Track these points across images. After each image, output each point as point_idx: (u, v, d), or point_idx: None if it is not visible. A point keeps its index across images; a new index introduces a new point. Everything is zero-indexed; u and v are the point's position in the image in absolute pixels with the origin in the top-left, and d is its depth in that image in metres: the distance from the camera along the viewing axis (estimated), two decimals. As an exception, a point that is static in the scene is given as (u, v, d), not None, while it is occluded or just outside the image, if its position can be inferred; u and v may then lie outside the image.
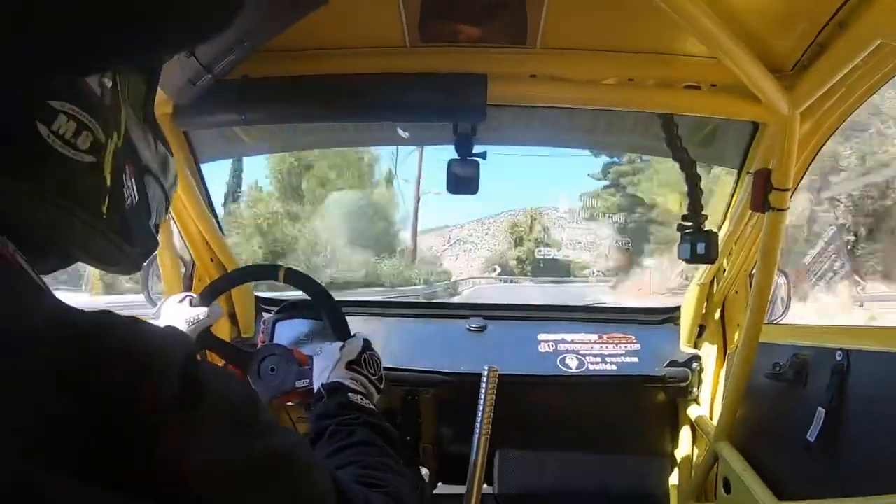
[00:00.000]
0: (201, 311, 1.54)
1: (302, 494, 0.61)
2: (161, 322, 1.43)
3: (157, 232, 0.73)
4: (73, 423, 0.43)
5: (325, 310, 1.57)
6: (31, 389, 0.42)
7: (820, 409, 1.49)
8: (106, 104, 0.58)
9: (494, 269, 24.72)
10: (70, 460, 0.42)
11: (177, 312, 1.51)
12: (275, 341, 1.97)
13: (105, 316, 0.49)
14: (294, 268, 1.61)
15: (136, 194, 0.65)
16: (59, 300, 0.51)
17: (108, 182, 0.59)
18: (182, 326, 1.47)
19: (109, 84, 0.58)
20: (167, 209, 0.76)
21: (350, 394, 1.17)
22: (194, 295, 1.58)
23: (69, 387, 0.43)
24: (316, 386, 1.25)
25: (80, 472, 0.42)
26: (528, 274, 24.36)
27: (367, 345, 1.38)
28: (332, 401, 1.15)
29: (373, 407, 1.17)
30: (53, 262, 0.62)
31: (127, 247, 0.64)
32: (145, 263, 2.08)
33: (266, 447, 0.56)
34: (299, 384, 1.49)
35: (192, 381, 0.49)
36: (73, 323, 0.47)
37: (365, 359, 1.33)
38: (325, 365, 1.30)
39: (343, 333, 1.50)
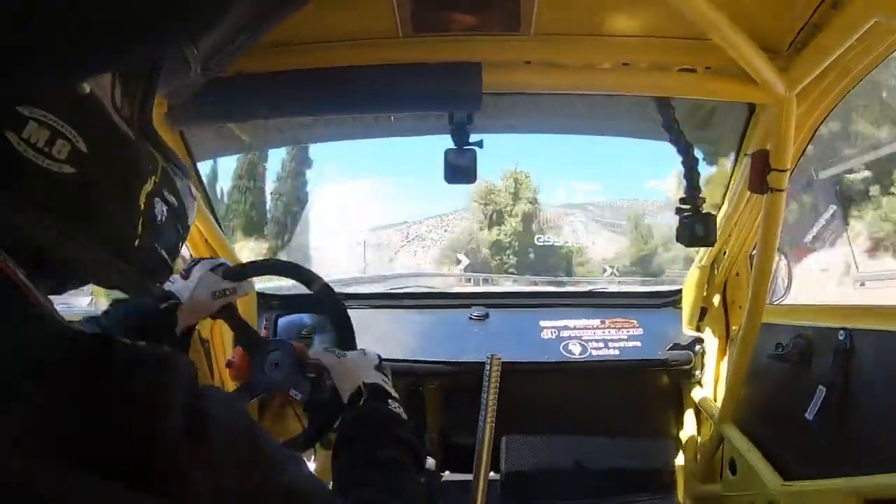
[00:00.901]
0: (230, 286, 1.51)
1: None
2: (188, 284, 1.42)
3: (172, 259, 0.70)
4: (79, 448, 0.43)
5: (339, 329, 1.56)
6: (34, 416, 0.42)
7: (822, 388, 1.50)
8: (90, 113, 0.56)
9: (458, 262, 19.86)
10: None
11: (206, 280, 1.46)
12: (277, 335, 1.97)
13: (105, 344, 0.48)
14: (329, 287, 1.60)
15: (135, 210, 0.62)
16: (59, 320, 0.51)
17: (100, 196, 0.57)
18: (206, 296, 1.44)
19: (89, 90, 0.56)
20: (183, 232, 0.72)
21: (389, 400, 1.16)
22: (229, 264, 1.55)
23: (71, 416, 0.43)
24: (346, 389, 1.22)
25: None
26: (513, 271, 19.73)
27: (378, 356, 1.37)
28: (372, 404, 1.13)
29: (405, 417, 1.14)
30: (53, 283, 0.60)
31: (121, 263, 0.62)
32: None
33: (268, 481, 0.56)
34: (293, 393, 1.48)
35: (198, 414, 0.49)
36: (74, 350, 0.47)
37: (384, 365, 1.33)
38: (354, 367, 1.27)
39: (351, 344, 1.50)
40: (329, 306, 1.56)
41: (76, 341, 0.47)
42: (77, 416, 0.43)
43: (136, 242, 0.62)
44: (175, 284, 1.42)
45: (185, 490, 0.46)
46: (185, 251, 2.13)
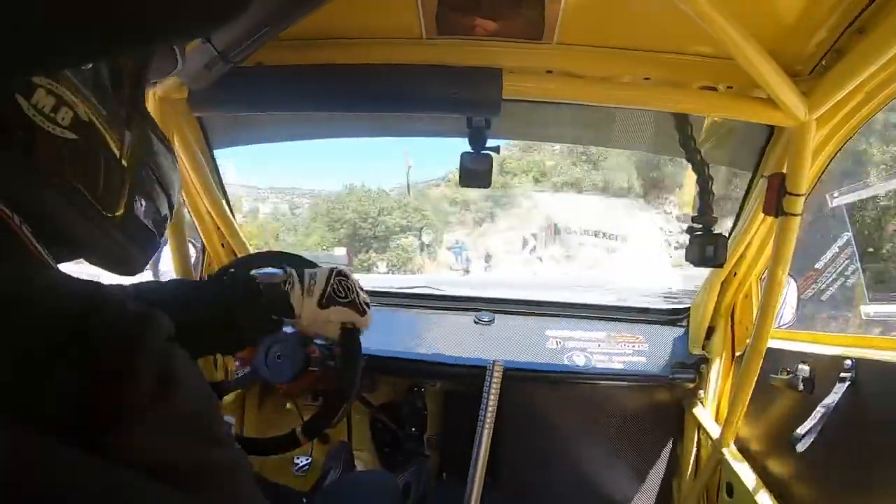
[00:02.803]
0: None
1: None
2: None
3: (161, 232, 0.73)
4: (59, 390, 0.45)
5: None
6: (21, 356, 0.45)
7: (827, 416, 1.49)
8: (92, 86, 0.60)
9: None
10: (59, 426, 0.44)
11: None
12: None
13: (96, 293, 0.51)
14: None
15: (127, 180, 0.66)
16: (56, 272, 0.55)
17: (99, 163, 0.61)
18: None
19: (90, 65, 0.60)
20: (169, 207, 0.76)
21: None
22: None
23: (57, 358, 0.45)
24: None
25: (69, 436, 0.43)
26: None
27: (330, 275, 1.46)
28: None
29: None
30: (59, 250, 0.62)
31: (111, 229, 0.65)
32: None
33: (216, 456, 0.56)
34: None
35: (167, 376, 0.50)
36: (68, 297, 0.50)
37: (334, 288, 1.43)
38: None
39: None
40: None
41: (65, 293, 0.50)
42: (50, 373, 0.45)
43: (125, 209, 0.66)
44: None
45: (140, 446, 0.47)
46: (197, 240, 2.14)
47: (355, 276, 1.53)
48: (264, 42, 1.26)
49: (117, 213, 0.65)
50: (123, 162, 0.65)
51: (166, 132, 1.56)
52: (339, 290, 1.43)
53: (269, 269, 1.42)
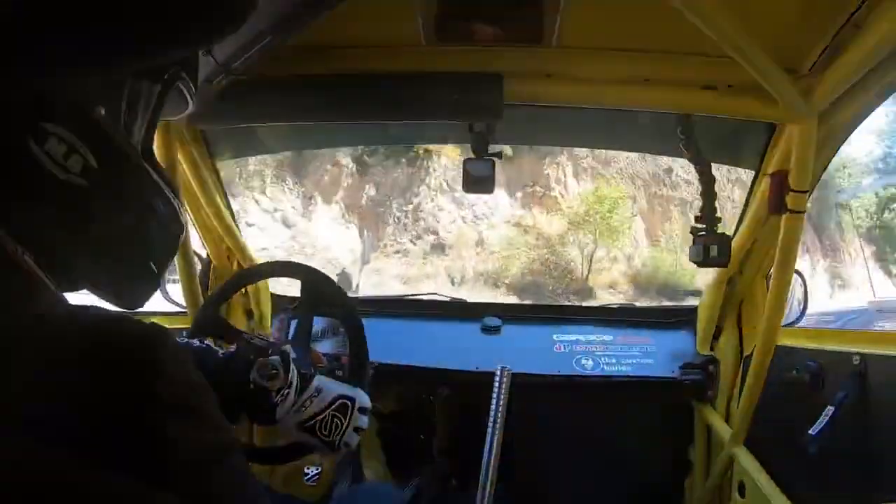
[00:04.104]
0: None
1: (245, 484, 0.62)
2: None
3: (160, 274, 0.74)
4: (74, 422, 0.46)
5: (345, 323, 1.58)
6: (36, 374, 0.46)
7: (836, 413, 1.48)
8: (102, 134, 0.61)
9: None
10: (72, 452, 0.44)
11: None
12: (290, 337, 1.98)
13: (109, 317, 0.53)
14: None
15: (133, 227, 0.68)
16: (60, 301, 0.57)
17: (105, 209, 0.63)
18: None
19: (104, 113, 0.62)
20: (171, 252, 0.77)
21: None
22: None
23: (72, 377, 0.47)
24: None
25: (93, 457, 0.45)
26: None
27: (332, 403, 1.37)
28: None
29: None
30: (62, 282, 0.64)
31: (112, 266, 0.68)
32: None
33: (220, 437, 0.59)
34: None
35: (182, 394, 0.53)
36: (75, 328, 0.51)
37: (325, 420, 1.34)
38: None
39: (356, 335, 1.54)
40: (351, 334, 1.59)
41: (68, 318, 0.53)
42: (61, 394, 0.46)
43: (129, 251, 0.68)
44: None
45: (168, 452, 0.49)
46: (203, 252, 2.15)
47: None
48: (265, 53, 1.27)
49: (122, 257, 0.68)
50: (130, 207, 0.67)
51: (168, 146, 1.58)
52: (330, 423, 1.34)
53: (274, 361, 1.30)
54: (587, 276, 21.77)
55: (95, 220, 0.62)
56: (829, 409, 1.47)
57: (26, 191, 0.57)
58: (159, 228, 0.72)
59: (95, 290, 0.69)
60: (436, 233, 21.37)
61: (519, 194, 22.72)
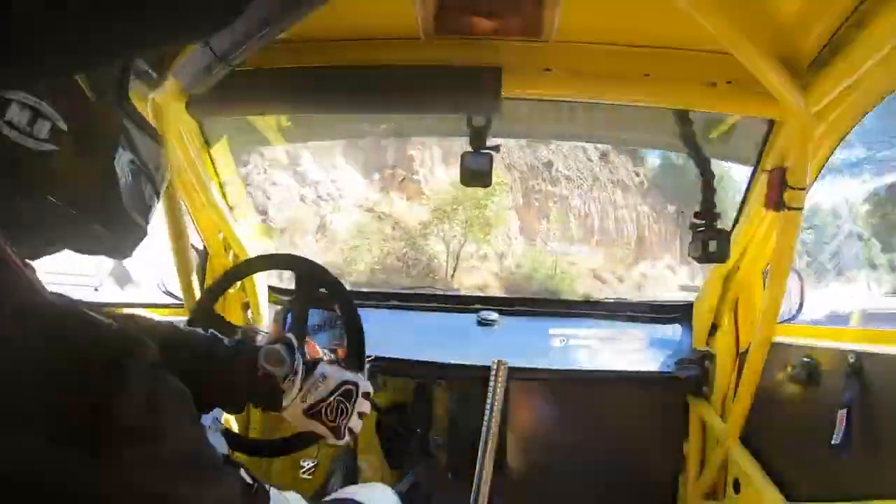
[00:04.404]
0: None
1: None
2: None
3: (147, 220, 0.74)
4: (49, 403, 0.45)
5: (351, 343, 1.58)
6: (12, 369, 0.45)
7: (831, 410, 1.48)
8: (69, 94, 0.60)
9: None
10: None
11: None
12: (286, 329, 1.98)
13: (72, 315, 0.50)
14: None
15: (110, 179, 0.66)
16: (32, 287, 0.53)
17: (73, 168, 0.61)
18: None
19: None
20: (157, 197, 0.77)
21: None
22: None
23: (46, 373, 0.46)
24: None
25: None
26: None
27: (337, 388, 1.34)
28: None
29: None
30: (39, 249, 0.63)
31: (102, 230, 0.66)
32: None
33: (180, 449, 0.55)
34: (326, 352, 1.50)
35: (153, 409, 0.50)
36: (41, 316, 0.49)
37: (330, 405, 1.32)
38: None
39: (353, 324, 1.54)
40: (346, 320, 1.59)
41: (45, 310, 0.50)
42: (37, 384, 0.45)
43: (111, 206, 0.66)
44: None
45: (123, 479, 0.47)
46: (200, 245, 2.15)
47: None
48: (263, 45, 1.27)
49: (98, 212, 0.66)
50: (102, 160, 0.66)
51: (165, 136, 1.57)
52: (336, 409, 1.33)
53: (279, 348, 1.29)
54: (452, 276, 19.24)
55: (69, 181, 0.61)
56: (842, 413, 1.47)
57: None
58: (139, 177, 0.71)
59: (74, 249, 0.68)
60: (265, 212, 17.47)
61: (376, 176, 20.33)
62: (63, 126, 0.58)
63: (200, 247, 2.18)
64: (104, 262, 9.58)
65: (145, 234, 0.74)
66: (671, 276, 21.00)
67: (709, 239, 1.72)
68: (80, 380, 0.47)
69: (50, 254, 0.66)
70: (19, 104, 0.54)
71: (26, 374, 0.45)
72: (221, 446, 1.29)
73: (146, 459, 0.49)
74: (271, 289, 2.42)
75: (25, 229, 0.59)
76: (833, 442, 1.47)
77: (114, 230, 0.68)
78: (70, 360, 0.47)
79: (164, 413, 0.51)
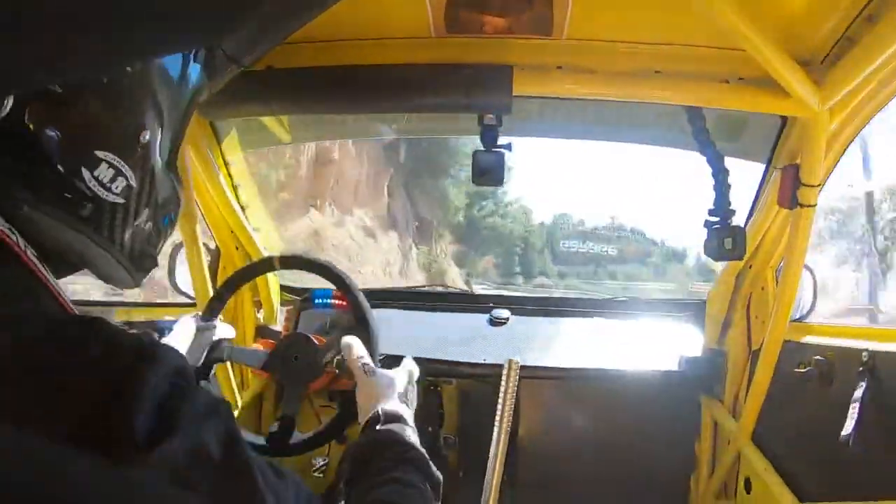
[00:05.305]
0: (208, 325, 1.54)
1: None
2: (174, 339, 1.44)
3: (157, 254, 0.79)
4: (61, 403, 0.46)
5: (346, 293, 1.58)
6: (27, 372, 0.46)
7: (844, 410, 1.47)
8: (141, 156, 0.67)
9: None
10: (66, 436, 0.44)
11: (189, 330, 1.49)
12: (298, 330, 1.99)
13: (93, 325, 0.51)
14: (285, 255, 1.67)
15: (150, 228, 0.73)
16: (58, 299, 0.60)
17: (132, 219, 0.68)
18: (186, 348, 1.45)
19: (147, 138, 0.67)
20: (170, 235, 0.82)
21: (408, 428, 1.14)
22: (198, 314, 1.58)
23: (55, 386, 0.46)
24: (364, 409, 1.20)
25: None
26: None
27: (411, 378, 1.36)
28: (388, 430, 1.12)
29: (419, 447, 1.11)
30: (66, 269, 0.68)
31: (134, 271, 0.73)
32: (172, 253, 2.13)
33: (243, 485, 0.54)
34: (328, 367, 1.50)
35: (169, 415, 0.50)
36: (64, 326, 0.51)
37: (409, 391, 1.31)
38: (378, 390, 1.25)
39: (365, 323, 1.54)
40: (302, 267, 1.64)
41: (67, 321, 0.53)
42: (52, 393, 0.46)
43: (142, 249, 0.74)
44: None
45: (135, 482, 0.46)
46: (212, 243, 2.16)
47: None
48: (274, 45, 1.27)
49: (136, 254, 0.72)
50: (153, 216, 0.73)
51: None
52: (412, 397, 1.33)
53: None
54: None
55: (126, 230, 0.68)
56: (855, 406, 1.46)
57: (64, 207, 0.61)
58: (170, 226, 0.78)
59: (95, 274, 0.72)
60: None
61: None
62: (134, 184, 0.66)
63: (213, 246, 2.19)
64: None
65: (156, 265, 0.80)
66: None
67: (724, 236, 1.71)
68: (99, 381, 0.48)
69: (73, 272, 0.70)
70: (107, 163, 0.62)
71: (42, 375, 0.46)
72: None
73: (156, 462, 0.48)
74: (283, 288, 2.43)
75: (63, 255, 0.64)
76: (843, 433, 1.46)
77: (141, 269, 0.75)
78: (88, 364, 0.49)
79: (178, 419, 0.50)
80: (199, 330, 1.51)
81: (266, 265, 1.71)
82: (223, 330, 1.57)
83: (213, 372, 1.60)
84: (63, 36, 0.45)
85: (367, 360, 1.33)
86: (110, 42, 0.48)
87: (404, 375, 1.32)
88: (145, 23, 0.47)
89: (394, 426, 1.12)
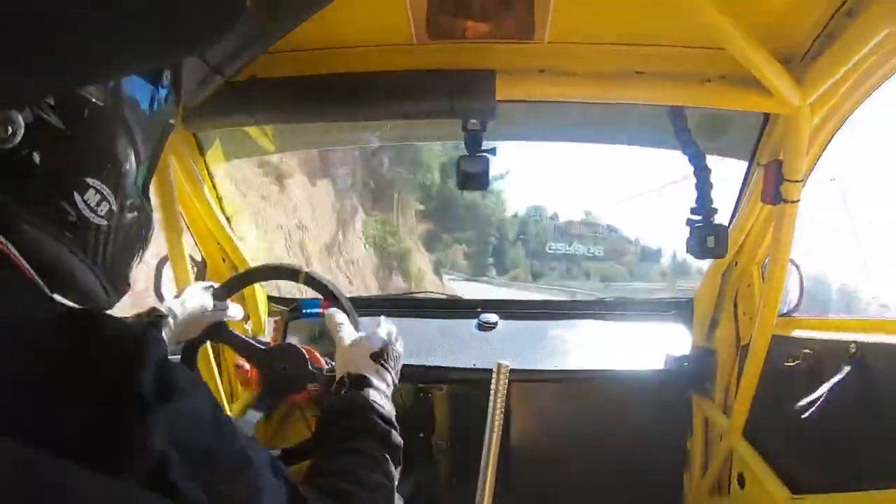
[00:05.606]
0: (220, 305, 1.53)
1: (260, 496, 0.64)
2: (181, 301, 1.44)
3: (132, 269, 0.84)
4: (63, 411, 0.49)
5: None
6: (26, 378, 0.49)
7: (835, 399, 1.48)
8: (122, 183, 0.73)
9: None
10: (60, 445, 0.46)
11: (197, 299, 1.49)
12: (287, 340, 1.98)
13: (92, 315, 0.57)
14: (313, 272, 1.67)
15: (126, 248, 0.78)
16: (57, 300, 0.66)
17: (112, 239, 0.74)
18: (197, 312, 1.47)
19: (127, 168, 0.74)
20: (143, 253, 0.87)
21: (372, 390, 1.13)
22: (216, 285, 1.58)
23: (57, 379, 0.50)
24: (340, 373, 1.22)
25: (73, 456, 0.46)
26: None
27: (390, 337, 1.35)
28: (351, 395, 1.12)
29: (390, 408, 1.13)
30: (56, 288, 0.70)
31: (111, 290, 0.77)
32: (158, 265, 2.11)
33: (230, 447, 0.63)
34: (309, 388, 1.51)
35: (167, 381, 0.56)
36: (69, 318, 0.56)
37: (389, 351, 1.29)
38: (350, 355, 1.26)
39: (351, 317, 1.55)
40: (319, 289, 1.65)
41: (65, 315, 0.57)
42: (52, 385, 0.50)
43: (118, 267, 0.78)
44: (168, 302, 1.45)
45: (158, 443, 0.52)
46: (198, 255, 2.15)
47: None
48: (256, 55, 1.27)
49: (114, 272, 0.77)
50: (130, 237, 0.78)
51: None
52: (393, 357, 1.32)
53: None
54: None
55: (107, 249, 0.73)
56: (825, 387, 1.48)
57: (57, 226, 0.67)
58: (143, 245, 0.83)
59: (81, 297, 0.75)
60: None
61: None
62: (115, 208, 0.72)
63: (199, 257, 2.18)
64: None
65: (128, 289, 0.83)
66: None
67: (706, 234, 1.72)
68: (90, 383, 0.52)
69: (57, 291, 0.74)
70: (94, 189, 0.69)
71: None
72: None
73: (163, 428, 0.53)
74: (271, 299, 2.42)
75: (55, 272, 0.68)
76: (817, 429, 1.48)
77: (117, 288, 0.79)
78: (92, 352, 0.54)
79: (180, 395, 0.57)
80: (213, 308, 1.52)
81: (291, 273, 1.74)
82: (234, 310, 1.59)
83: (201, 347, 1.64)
84: (52, 45, 0.47)
85: (349, 327, 1.37)
86: (100, 52, 0.51)
87: (379, 338, 1.32)
88: (134, 34, 0.50)
89: (358, 392, 1.13)
